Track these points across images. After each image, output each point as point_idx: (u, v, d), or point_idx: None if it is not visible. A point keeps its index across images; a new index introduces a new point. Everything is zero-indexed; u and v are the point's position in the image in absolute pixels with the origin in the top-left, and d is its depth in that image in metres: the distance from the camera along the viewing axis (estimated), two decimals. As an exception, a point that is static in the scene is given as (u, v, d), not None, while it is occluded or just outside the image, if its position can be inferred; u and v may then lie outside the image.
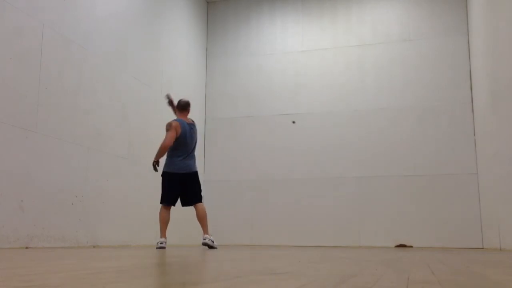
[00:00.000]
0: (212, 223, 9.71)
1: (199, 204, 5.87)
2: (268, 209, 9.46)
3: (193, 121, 6.22)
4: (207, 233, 5.77)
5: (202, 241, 5.78)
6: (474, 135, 8.66)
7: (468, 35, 9.00)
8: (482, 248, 8.05)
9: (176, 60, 9.10)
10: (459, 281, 1.79)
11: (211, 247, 5.68)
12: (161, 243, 5.63)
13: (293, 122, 8.61)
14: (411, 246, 8.59)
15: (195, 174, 5.95)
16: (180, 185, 5.83)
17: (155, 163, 5.84)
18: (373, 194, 9.01)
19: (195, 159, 6.04)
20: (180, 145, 5.88)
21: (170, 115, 9.13)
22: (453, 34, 9.09)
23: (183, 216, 8.48)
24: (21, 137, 5.36)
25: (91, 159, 6.56)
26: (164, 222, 5.78)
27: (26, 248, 5.20)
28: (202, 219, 5.83)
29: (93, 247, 6.25)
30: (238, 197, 9.65)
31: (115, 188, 6.93)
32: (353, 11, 9.67)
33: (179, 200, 5.96)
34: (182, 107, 6.16)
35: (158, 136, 8.33)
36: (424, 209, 8.73)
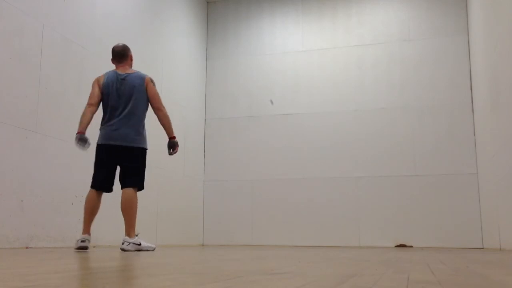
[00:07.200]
0: (212, 223, 9.75)
1: (125, 190, 4.54)
2: (268, 209, 9.45)
3: (134, 72, 4.61)
4: (128, 234, 4.40)
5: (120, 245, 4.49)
6: (474, 135, 8.66)
7: (468, 35, 9.00)
8: (482, 248, 8.05)
9: (176, 60, 9.10)
10: (459, 281, 1.79)
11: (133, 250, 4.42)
12: (82, 241, 4.23)
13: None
14: (411, 246, 8.59)
15: (132, 150, 4.45)
16: (112, 161, 4.51)
17: (78, 137, 4.39)
18: (373, 194, 9.01)
19: (136, 128, 4.54)
20: (106, 106, 4.47)
21: (171, 115, 9.08)
22: (453, 34, 9.09)
23: (183, 215, 8.51)
24: (21, 137, 5.36)
25: (91, 159, 6.54)
26: (88, 212, 4.36)
27: (26, 248, 5.20)
28: (124, 210, 4.45)
29: (93, 247, 6.24)
30: (238, 197, 9.65)
31: (114, 188, 6.92)
32: (353, 11, 9.67)
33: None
34: (116, 56, 4.55)
35: (158, 136, 8.34)
36: (424, 209, 8.73)
